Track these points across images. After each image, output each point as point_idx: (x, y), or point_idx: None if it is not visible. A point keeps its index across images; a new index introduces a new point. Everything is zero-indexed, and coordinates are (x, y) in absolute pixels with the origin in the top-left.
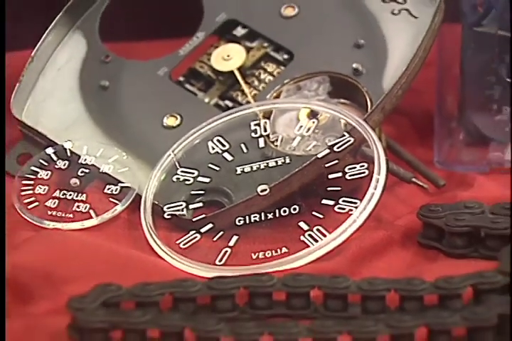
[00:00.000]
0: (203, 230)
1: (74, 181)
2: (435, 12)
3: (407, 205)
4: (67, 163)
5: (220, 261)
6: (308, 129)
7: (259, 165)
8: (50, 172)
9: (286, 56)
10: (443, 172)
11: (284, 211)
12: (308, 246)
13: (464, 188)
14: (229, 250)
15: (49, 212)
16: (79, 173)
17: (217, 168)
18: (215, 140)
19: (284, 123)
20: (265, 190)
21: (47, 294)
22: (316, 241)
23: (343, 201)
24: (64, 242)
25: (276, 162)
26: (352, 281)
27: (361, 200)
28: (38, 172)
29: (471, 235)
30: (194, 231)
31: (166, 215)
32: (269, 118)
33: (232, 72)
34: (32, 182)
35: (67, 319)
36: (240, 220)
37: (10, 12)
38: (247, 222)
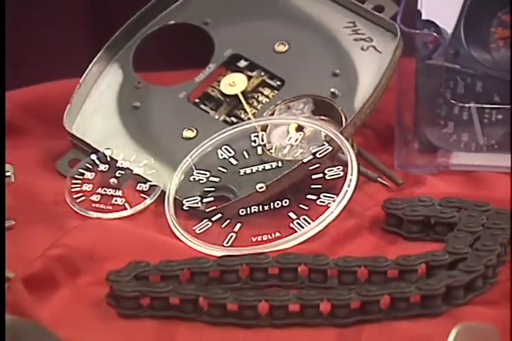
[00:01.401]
0: (213, 219)
1: (112, 180)
2: (395, 48)
3: (374, 199)
4: (107, 166)
5: (227, 243)
6: (296, 140)
7: (258, 168)
8: (94, 174)
9: (278, 82)
10: (401, 174)
11: (277, 204)
12: (296, 232)
13: (418, 186)
14: (234, 234)
15: (93, 205)
16: (116, 174)
17: (225, 170)
18: (223, 148)
19: (277, 135)
20: (262, 187)
21: (90, 269)
22: (303, 227)
23: (324, 196)
24: (104, 228)
25: (271, 165)
26: (330, 259)
27: (337, 195)
28: (84, 174)
29: (423, 223)
30: (206, 220)
31: (184, 207)
32: (265, 131)
33: (236, 95)
34: (80, 181)
35: (106, 289)
36: (242, 211)
37: (58, 46)
38: (248, 212)
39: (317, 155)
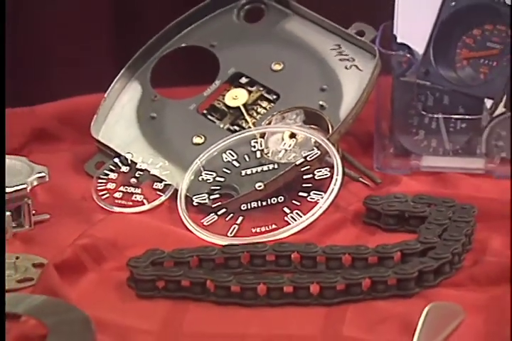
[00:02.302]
0: (219, 213)
1: (133, 180)
2: (374, 67)
3: (356, 196)
4: (128, 168)
5: (231, 233)
6: (290, 145)
7: (257, 169)
8: (116, 174)
9: (274, 96)
10: (380, 174)
11: (274, 200)
12: (289, 224)
13: (394, 185)
14: (236, 226)
15: (116, 201)
16: (136, 175)
17: (229, 171)
18: (227, 152)
19: (274, 141)
20: (261, 186)
21: (113, 256)
22: (295, 220)
23: (313, 193)
24: (125, 221)
25: (268, 167)
26: (319, 247)
27: (325, 193)
28: (108, 174)
29: (398, 216)
30: (213, 214)
31: (194, 203)
32: (263, 137)
33: (238, 107)
34: (104, 180)
35: (127, 274)
36: (244, 206)
37: (86, 64)
38: (249, 207)
39: (308, 158)
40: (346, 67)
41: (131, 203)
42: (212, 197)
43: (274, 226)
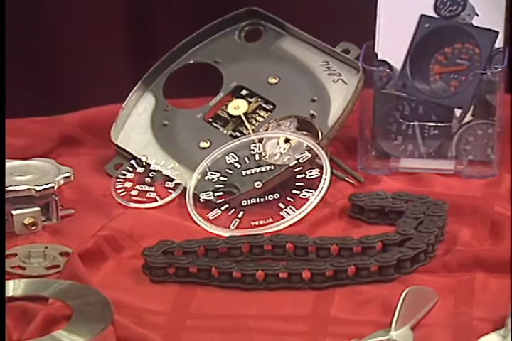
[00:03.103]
0: (222, 208)
1: (147, 179)
2: (358, 81)
3: (342, 194)
4: (143, 169)
5: (233, 226)
6: (285, 149)
7: (256, 170)
8: (133, 174)
9: (271, 106)
10: (363, 174)
11: (270, 197)
12: (284, 218)
13: (375, 184)
14: (238, 220)
15: (132, 198)
16: (150, 175)
17: (231, 172)
18: (230, 155)
19: (270, 145)
20: (259, 184)
21: (130, 246)
22: (289, 214)
23: (305, 191)
24: (141, 215)
25: (266, 168)
26: (310, 238)
27: (315, 191)
28: (126, 174)
29: (380, 211)
30: (217, 209)
31: (200, 199)
32: (261, 142)
33: (240, 116)
34: (122, 180)
35: (141, 261)
36: (244, 202)
37: (107, 78)
38: (249, 203)
39: (300, 160)
40: (334, 81)
41: (145, 200)
42: (216, 194)
43: (270, 219)
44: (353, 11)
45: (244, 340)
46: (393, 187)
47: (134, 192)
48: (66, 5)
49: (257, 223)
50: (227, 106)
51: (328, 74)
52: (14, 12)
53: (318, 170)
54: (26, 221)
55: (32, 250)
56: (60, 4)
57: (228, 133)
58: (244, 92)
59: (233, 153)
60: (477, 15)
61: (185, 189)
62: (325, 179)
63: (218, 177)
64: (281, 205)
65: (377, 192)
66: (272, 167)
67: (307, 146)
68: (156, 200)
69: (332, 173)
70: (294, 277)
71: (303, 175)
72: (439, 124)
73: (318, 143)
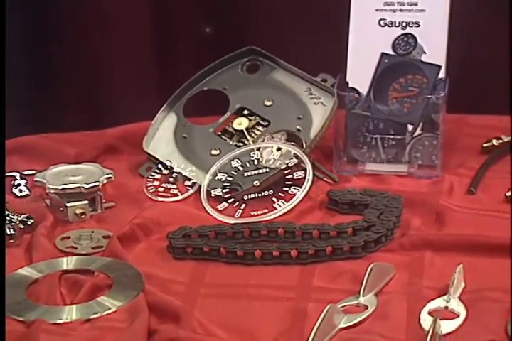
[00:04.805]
0: (229, 202)
1: (171, 179)
2: (334, 103)
3: (322, 190)
4: (168, 171)
5: (237, 215)
6: (277, 156)
7: (255, 172)
8: (160, 175)
9: (267, 123)
10: (337, 175)
11: (266, 193)
12: (276, 209)
13: (347, 183)
14: (241, 210)
15: (159, 193)
16: (173, 176)
17: (235, 173)
18: (234, 160)
19: (266, 153)
20: (257, 183)
21: (158, 231)
22: (280, 206)
23: (293, 188)
24: (166, 207)
25: (263, 170)
26: (297, 225)
27: (301, 188)
28: (154, 175)
29: (351, 204)
30: (225, 202)
31: (212, 195)
32: (259, 150)
33: (242, 130)
34: (152, 179)
35: (166, 243)
36: (246, 197)
37: (138, 99)
38: (249, 198)
39: (289, 164)
40: (315, 103)
41: (169, 195)
42: (224, 190)
43: (266, 210)
44: (330, 49)
45: (246, 304)
46: (361, 185)
47: (160, 189)
48: (110, 46)
49: (255, 213)
50: (232, 122)
51: (311, 98)
52: (66, 45)
53: (303, 172)
54: (77, 211)
55: (81, 234)
56: (105, 40)
57: (233, 143)
58: (246, 112)
59: (237, 158)
60: (425, 53)
61: (200, 187)
62: (308, 179)
63: (226, 178)
64: (274, 199)
65: (348, 189)
66: (267, 170)
67: (294, 154)
68: (177, 195)
69: (314, 174)
70: (284, 255)
71: (291, 176)
72: (396, 137)
73: (303, 151)
